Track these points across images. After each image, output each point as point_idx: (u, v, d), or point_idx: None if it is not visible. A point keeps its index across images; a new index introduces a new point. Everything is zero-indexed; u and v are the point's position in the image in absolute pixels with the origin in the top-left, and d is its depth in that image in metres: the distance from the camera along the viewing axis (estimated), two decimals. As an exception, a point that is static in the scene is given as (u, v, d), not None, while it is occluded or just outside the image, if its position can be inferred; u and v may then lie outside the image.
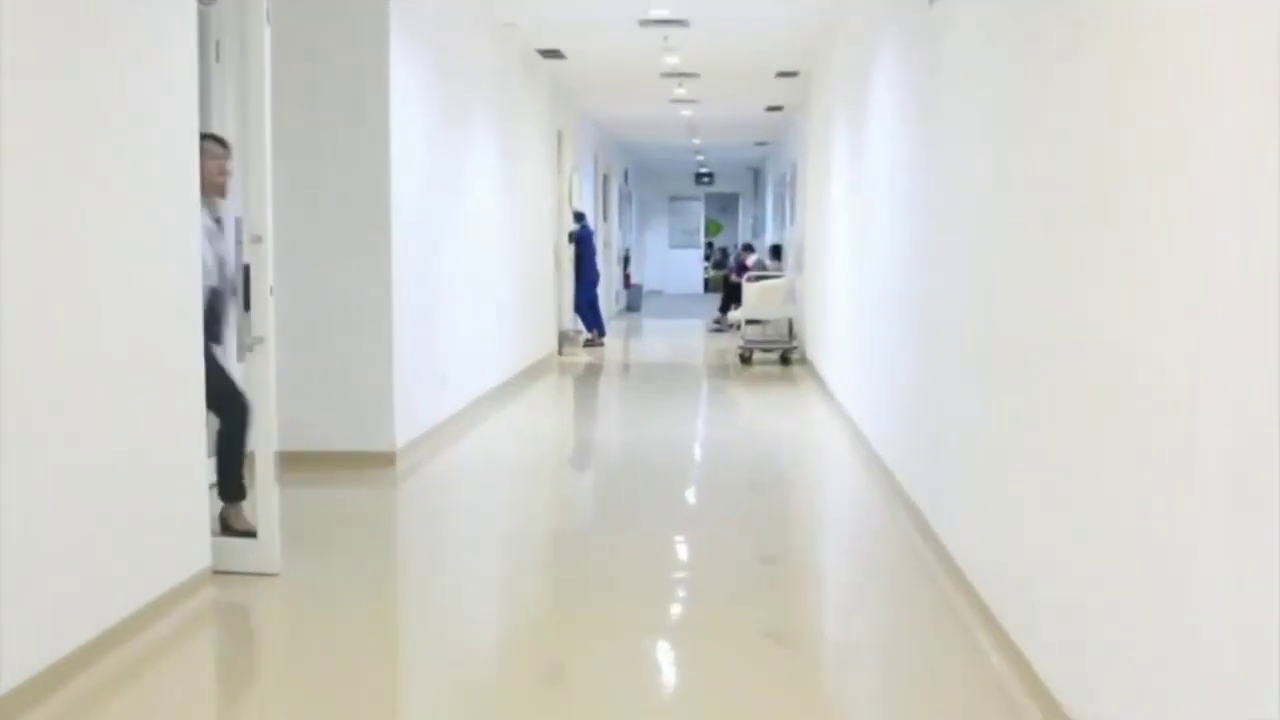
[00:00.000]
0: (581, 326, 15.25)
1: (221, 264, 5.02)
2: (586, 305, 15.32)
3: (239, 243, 4.83)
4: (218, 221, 5.10)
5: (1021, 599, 3.74)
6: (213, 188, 5.06)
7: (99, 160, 3.91)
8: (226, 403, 4.92)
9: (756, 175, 27.60)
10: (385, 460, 6.89)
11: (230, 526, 4.95)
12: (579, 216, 15.30)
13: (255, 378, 4.81)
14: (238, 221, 4.86)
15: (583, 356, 14.18)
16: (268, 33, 4.71)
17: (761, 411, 10.57)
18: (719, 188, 29.86)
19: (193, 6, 4.52)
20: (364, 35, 6.89)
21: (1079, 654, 3.16)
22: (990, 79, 4.29)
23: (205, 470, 4.72)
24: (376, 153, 6.90)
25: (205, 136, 5.07)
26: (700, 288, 29.01)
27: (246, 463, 4.97)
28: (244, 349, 4.77)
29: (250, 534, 4.82)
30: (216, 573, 4.64)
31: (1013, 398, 3.91)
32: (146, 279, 4.21)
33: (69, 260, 3.72)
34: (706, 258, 29.80)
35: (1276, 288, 2.11)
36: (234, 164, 5.12)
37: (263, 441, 4.79)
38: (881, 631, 4.46)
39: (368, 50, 6.89)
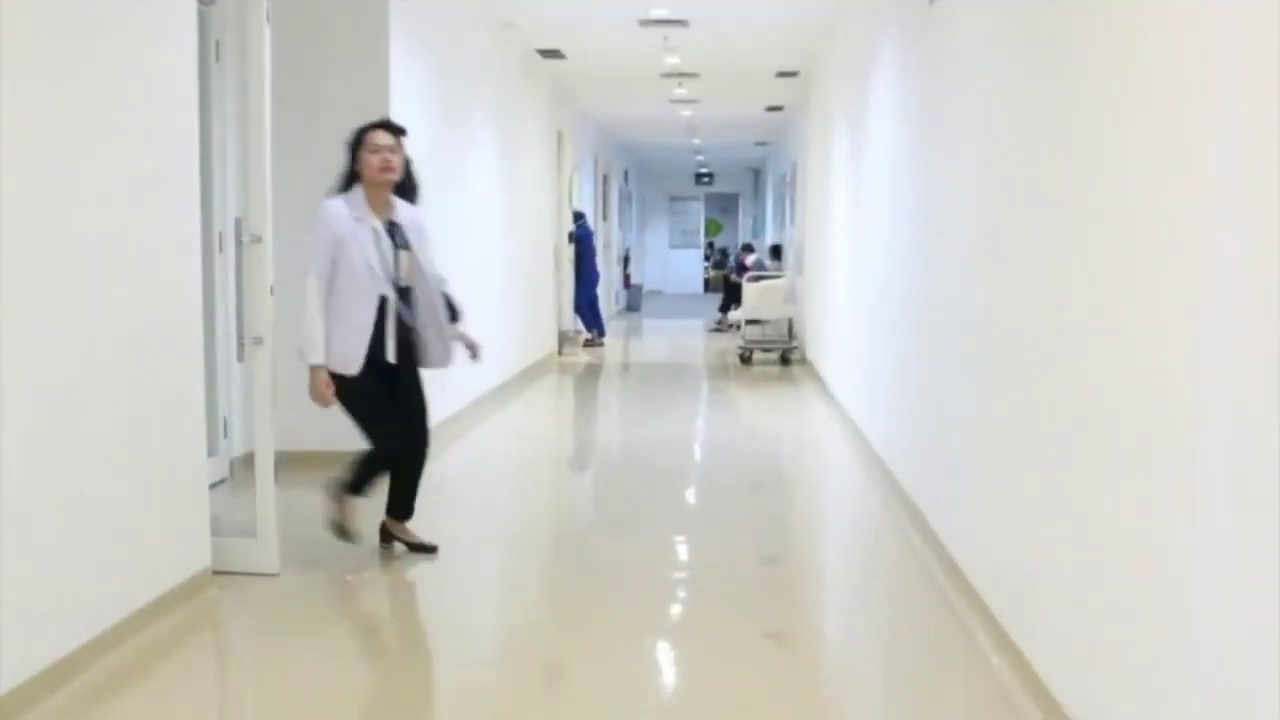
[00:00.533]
0: (581, 326, 15.26)
1: (389, 272, 4.76)
2: (586, 305, 15.32)
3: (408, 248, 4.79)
4: (391, 225, 4.82)
5: (1022, 599, 3.74)
6: (376, 187, 4.81)
7: (98, 160, 3.90)
8: (383, 431, 4.90)
9: (756, 175, 27.61)
10: (385, 460, 6.86)
11: (342, 526, 5.06)
12: (578, 216, 15.30)
13: (255, 378, 4.81)
14: (405, 225, 4.79)
15: (583, 356, 14.18)
16: (268, 33, 4.72)
17: (761, 412, 10.57)
18: (719, 188, 29.87)
19: (193, 6, 4.52)
20: (364, 35, 6.89)
21: (1079, 654, 3.16)
22: (990, 78, 4.29)
23: (205, 471, 4.72)
24: (376, 153, 6.88)
25: (367, 127, 4.84)
26: (700, 288, 29.02)
27: (244, 463, 4.97)
28: (242, 350, 4.78)
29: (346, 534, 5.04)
30: (216, 573, 4.64)
31: (1013, 398, 3.91)
32: (146, 279, 4.20)
33: (68, 261, 3.71)
34: (706, 258, 29.81)
35: (1277, 287, 2.11)
36: (401, 155, 4.87)
37: (263, 441, 4.79)
38: (882, 632, 4.46)
39: (368, 50, 6.89)
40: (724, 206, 30.98)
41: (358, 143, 4.82)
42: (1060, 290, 3.36)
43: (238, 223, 5.11)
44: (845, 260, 9.21)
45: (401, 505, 5.10)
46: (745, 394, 11.45)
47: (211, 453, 5.71)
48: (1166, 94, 2.63)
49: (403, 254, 4.82)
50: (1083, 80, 3.18)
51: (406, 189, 4.97)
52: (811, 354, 12.44)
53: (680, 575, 5.23)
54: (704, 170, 28.82)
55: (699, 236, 30.64)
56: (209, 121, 6.05)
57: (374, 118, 6.83)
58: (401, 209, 4.89)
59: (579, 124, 16.34)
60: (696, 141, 21.91)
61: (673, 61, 11.97)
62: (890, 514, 5.92)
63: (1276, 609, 2.11)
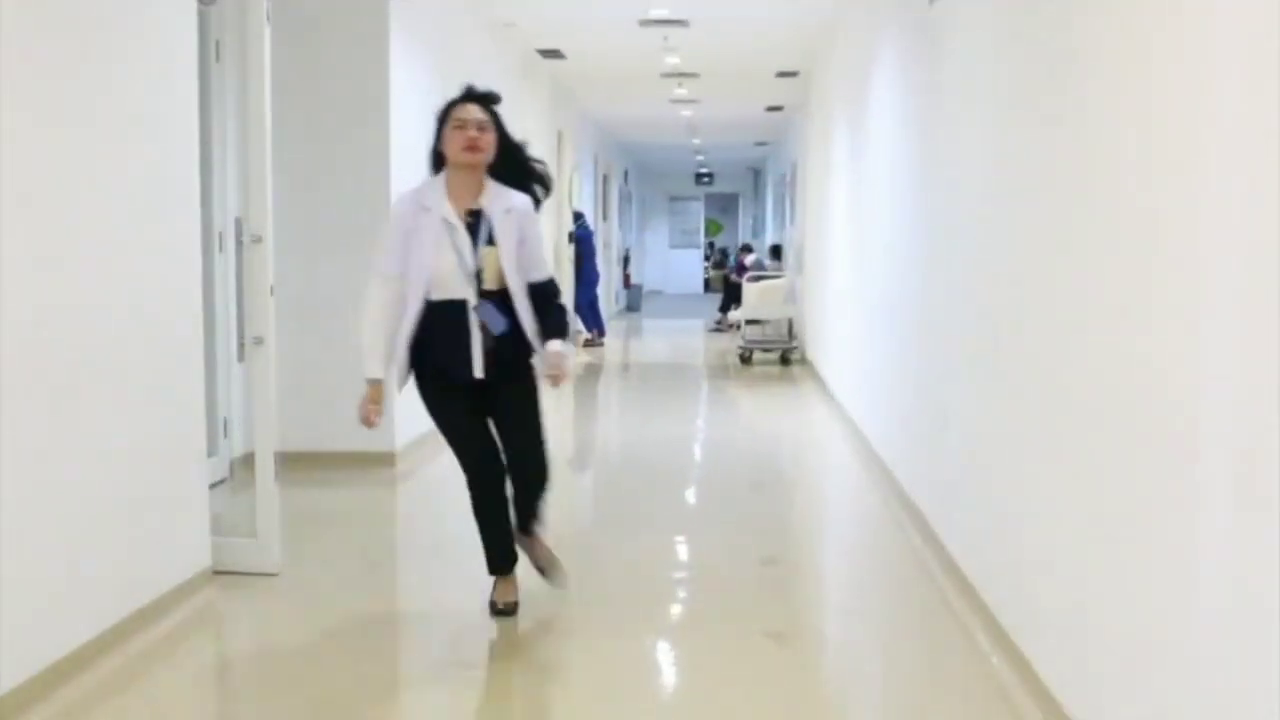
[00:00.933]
0: (581, 327, 15.26)
1: (468, 270, 4.05)
2: (586, 305, 15.32)
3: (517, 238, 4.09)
4: (474, 215, 4.08)
5: (1022, 599, 3.74)
6: (462, 169, 4.08)
7: (97, 159, 3.90)
8: (465, 456, 4.23)
9: (756, 175, 27.62)
10: (385, 460, 6.89)
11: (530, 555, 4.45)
12: (578, 216, 15.30)
13: (255, 378, 4.81)
14: (493, 215, 4.06)
15: (582, 356, 14.18)
16: (268, 33, 4.71)
17: (761, 412, 10.57)
18: (719, 188, 29.89)
19: (193, 6, 4.52)
20: (364, 35, 6.89)
21: (1079, 654, 3.16)
22: (990, 78, 4.29)
23: (205, 471, 4.72)
24: (376, 153, 6.90)
25: (454, 100, 4.11)
26: (700, 288, 29.03)
27: (245, 466, 4.93)
28: (244, 350, 4.74)
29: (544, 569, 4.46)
30: (216, 573, 4.65)
31: (1013, 398, 3.91)
32: (146, 279, 4.20)
33: (66, 260, 3.71)
34: (706, 258, 29.82)
35: (1277, 287, 2.11)
36: (491, 135, 4.10)
37: (263, 441, 4.79)
38: (882, 632, 4.46)
39: (368, 50, 6.89)
40: (724, 206, 30.99)
41: (443, 118, 4.12)
42: (1059, 290, 3.36)
43: (238, 223, 5.11)
44: (845, 260, 9.21)
45: (518, 512, 4.38)
46: (745, 394, 11.45)
47: (211, 453, 5.72)
48: (1167, 93, 2.63)
49: (484, 250, 4.06)
50: (1083, 79, 3.18)
51: (522, 181, 4.25)
52: (811, 354, 12.44)
53: (680, 575, 5.23)
54: (704, 170, 28.83)
55: (699, 236, 30.66)
56: (209, 121, 6.05)
57: (374, 117, 6.95)
58: (494, 196, 4.12)
59: (579, 124, 16.34)
60: (696, 141, 21.91)
61: (673, 61, 11.97)
62: (890, 514, 5.92)
63: (1277, 609, 2.11)
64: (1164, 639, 2.62)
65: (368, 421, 4.20)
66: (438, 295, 4.05)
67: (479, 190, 4.11)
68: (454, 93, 4.17)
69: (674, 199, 30.57)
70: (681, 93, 14.24)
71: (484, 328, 4.07)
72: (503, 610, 4.35)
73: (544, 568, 4.48)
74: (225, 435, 6.42)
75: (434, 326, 4.07)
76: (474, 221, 4.08)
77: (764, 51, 11.82)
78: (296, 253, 6.52)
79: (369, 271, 4.20)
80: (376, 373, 4.15)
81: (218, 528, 4.75)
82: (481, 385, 4.12)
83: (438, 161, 4.19)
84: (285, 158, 5.67)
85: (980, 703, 3.62)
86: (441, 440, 4.30)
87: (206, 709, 3.77)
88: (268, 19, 4.71)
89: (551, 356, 4.12)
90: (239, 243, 4.82)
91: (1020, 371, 3.80)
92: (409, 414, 7.15)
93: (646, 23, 10.08)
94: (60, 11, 3.65)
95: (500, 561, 4.36)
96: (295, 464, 6.19)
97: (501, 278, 4.08)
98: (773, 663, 4.01)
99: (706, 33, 10.53)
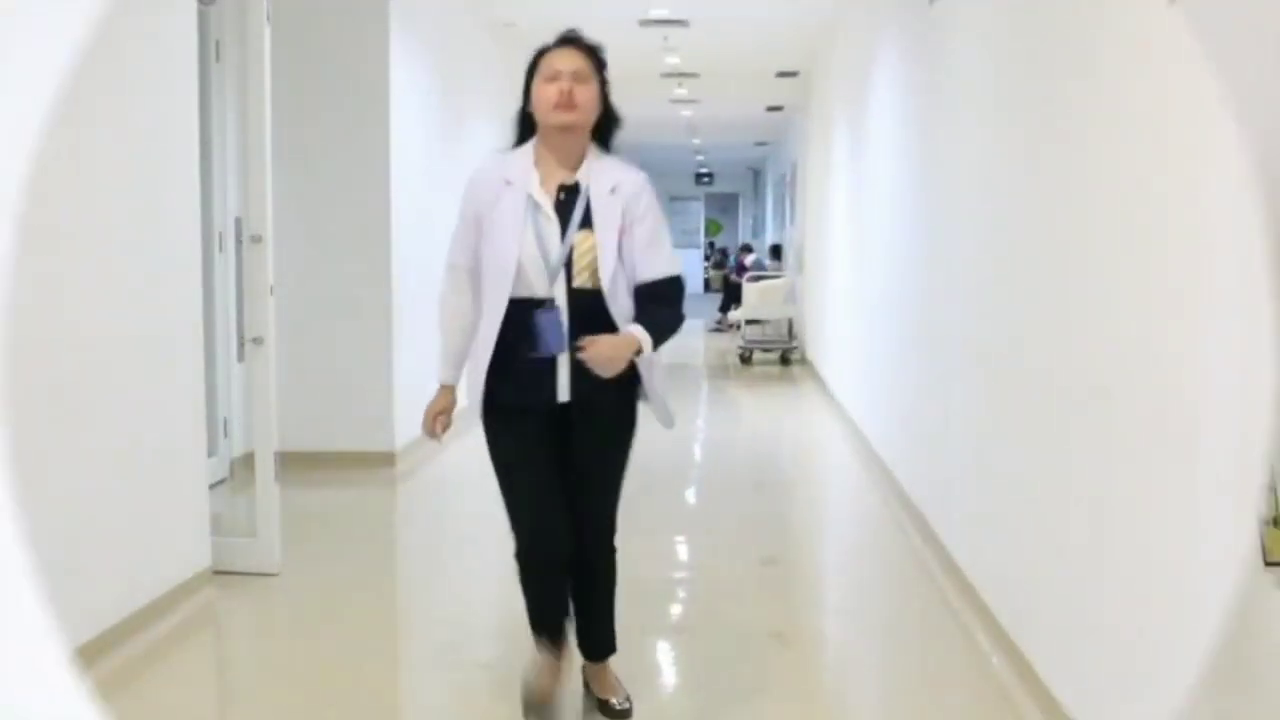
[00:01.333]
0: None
1: (552, 261, 3.14)
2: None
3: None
4: (567, 191, 3.20)
5: (1022, 599, 3.74)
6: (554, 134, 3.21)
7: (97, 159, 3.90)
8: (518, 518, 3.31)
9: (756, 175, 27.63)
10: (385, 460, 6.89)
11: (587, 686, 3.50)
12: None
13: (255, 378, 4.81)
14: (598, 192, 3.20)
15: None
16: (268, 33, 4.72)
17: (761, 412, 10.57)
18: (719, 188, 29.90)
19: (193, 6, 4.52)
20: (364, 35, 6.89)
21: (1079, 654, 3.15)
22: (990, 77, 4.29)
23: (205, 470, 4.72)
24: (376, 153, 6.90)
25: (545, 47, 3.40)
26: (700, 288, 29.02)
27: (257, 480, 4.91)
28: (244, 351, 4.74)
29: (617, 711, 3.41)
30: (216, 573, 4.65)
31: (1013, 398, 3.91)
32: (146, 279, 4.20)
33: (66, 260, 3.71)
34: (706, 258, 29.83)
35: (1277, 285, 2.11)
36: (592, 88, 3.31)
37: (263, 441, 4.79)
38: (882, 632, 4.46)
39: (368, 50, 6.89)
40: (724, 206, 31.00)
41: (532, 70, 3.34)
42: (1060, 289, 3.36)
43: (238, 223, 5.11)
44: (845, 260, 9.21)
45: (582, 634, 3.44)
46: (745, 394, 11.45)
47: (211, 453, 5.72)
48: (1167, 90, 2.63)
49: (580, 236, 3.17)
50: (1083, 78, 3.18)
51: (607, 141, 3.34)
52: (811, 354, 12.45)
53: (681, 575, 5.23)
54: (704, 170, 28.83)
55: (699, 236, 30.67)
56: (209, 121, 6.05)
57: (374, 117, 6.96)
58: (597, 169, 3.24)
59: (579, 124, 16.33)
60: (696, 141, 21.91)
61: (673, 61, 11.97)
62: (890, 514, 5.92)
63: (1277, 609, 2.11)
64: (1164, 639, 2.61)
65: (432, 434, 3.51)
66: (519, 292, 3.15)
67: (578, 160, 3.24)
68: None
69: (674, 199, 30.56)
70: (681, 93, 14.24)
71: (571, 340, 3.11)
72: (538, 702, 3.24)
73: (606, 702, 3.42)
74: (225, 435, 6.42)
75: (511, 332, 3.17)
76: (568, 199, 3.20)
77: (764, 51, 11.82)
78: (296, 253, 6.51)
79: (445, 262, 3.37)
80: (448, 378, 3.43)
81: (218, 528, 4.75)
82: (560, 418, 3.25)
83: (524, 128, 3.32)
84: (285, 158, 5.67)
85: (980, 703, 3.62)
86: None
87: (206, 709, 3.77)
88: (268, 19, 4.71)
89: (622, 336, 3.11)
90: (239, 243, 4.82)
91: (1021, 371, 3.80)
92: (409, 414, 7.17)
93: (646, 23, 10.08)
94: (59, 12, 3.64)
95: (548, 620, 3.31)
96: (295, 464, 6.19)
97: (591, 272, 3.18)
98: (773, 663, 4.01)
99: (706, 33, 10.52)
